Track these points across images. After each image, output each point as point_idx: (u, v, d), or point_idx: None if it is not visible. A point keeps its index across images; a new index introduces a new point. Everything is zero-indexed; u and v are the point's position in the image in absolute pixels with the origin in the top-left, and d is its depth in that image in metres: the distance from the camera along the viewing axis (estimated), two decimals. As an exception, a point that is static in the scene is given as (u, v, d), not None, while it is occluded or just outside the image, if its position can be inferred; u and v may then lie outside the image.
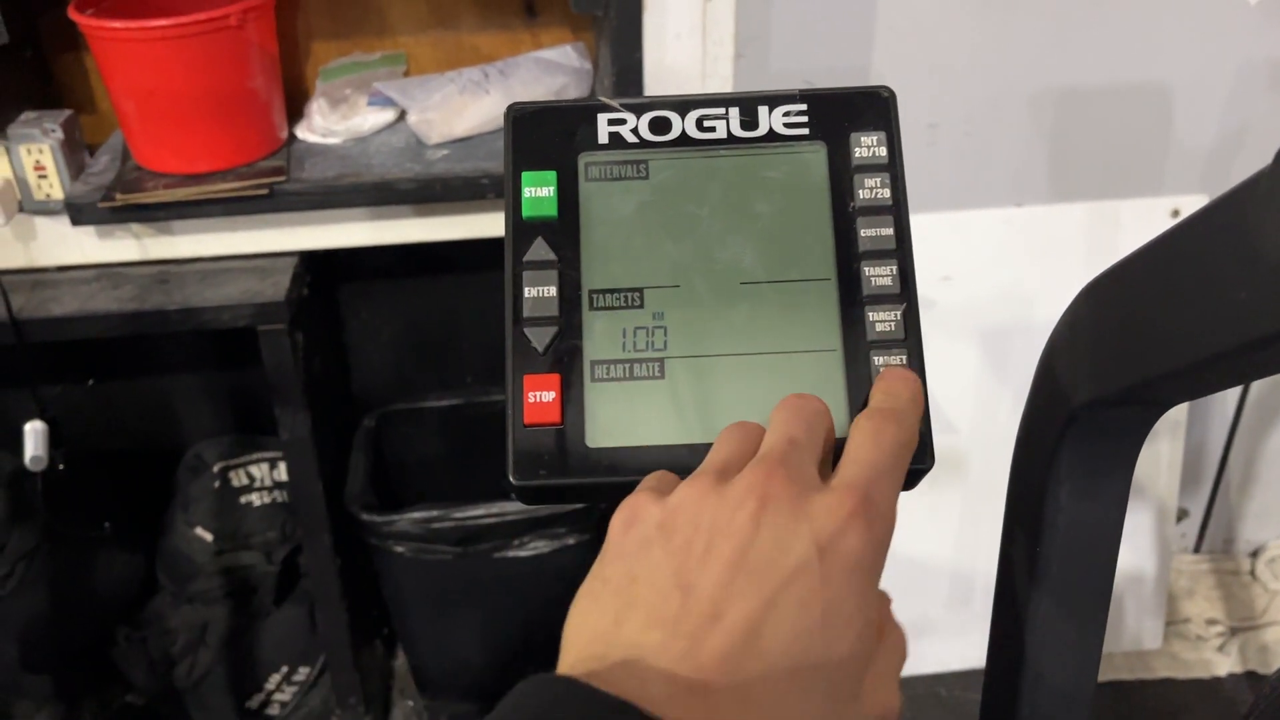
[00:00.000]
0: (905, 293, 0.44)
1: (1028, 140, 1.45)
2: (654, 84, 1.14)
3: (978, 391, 1.52)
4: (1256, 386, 1.67)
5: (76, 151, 1.21)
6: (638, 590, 0.34)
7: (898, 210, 0.45)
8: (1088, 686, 0.56)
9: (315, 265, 1.29)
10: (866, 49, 1.37)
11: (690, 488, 0.37)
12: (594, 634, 0.34)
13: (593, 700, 0.31)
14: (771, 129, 0.47)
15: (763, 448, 0.38)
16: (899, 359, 0.43)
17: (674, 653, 0.33)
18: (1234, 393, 1.67)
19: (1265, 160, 0.33)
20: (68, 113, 1.21)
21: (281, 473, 1.54)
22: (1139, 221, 1.47)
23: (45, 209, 1.20)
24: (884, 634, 0.37)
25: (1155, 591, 1.67)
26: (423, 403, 1.58)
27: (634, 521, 0.37)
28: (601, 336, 0.44)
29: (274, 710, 1.53)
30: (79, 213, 1.16)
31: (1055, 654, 0.55)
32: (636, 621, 0.34)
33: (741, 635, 0.33)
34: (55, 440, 1.26)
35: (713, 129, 0.47)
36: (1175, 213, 1.48)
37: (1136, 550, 1.63)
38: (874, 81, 1.39)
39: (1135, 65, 1.41)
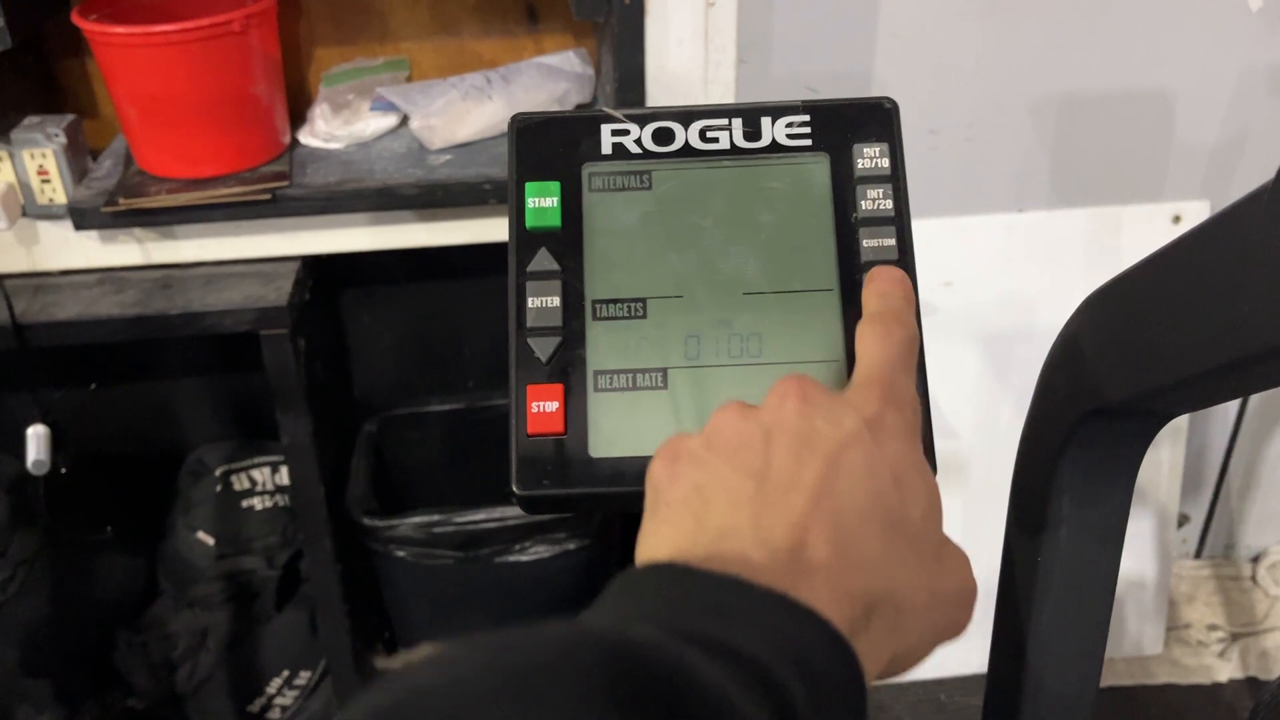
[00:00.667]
0: (908, 303, 0.44)
1: (1029, 146, 1.45)
2: (656, 90, 1.15)
3: (979, 397, 1.52)
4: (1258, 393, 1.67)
5: (79, 156, 1.21)
6: (708, 493, 0.35)
7: (900, 221, 0.46)
8: (1090, 694, 0.56)
9: (317, 270, 1.29)
10: (868, 55, 1.37)
11: (722, 413, 0.37)
12: (677, 537, 0.35)
13: (699, 580, 0.31)
14: (774, 140, 0.47)
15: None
16: None
17: (765, 521, 0.33)
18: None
19: (1267, 167, 0.33)
20: (71, 117, 1.21)
21: (283, 477, 1.54)
22: (1140, 227, 1.47)
23: (48, 213, 1.20)
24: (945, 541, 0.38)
25: (1156, 597, 1.67)
26: (424, 407, 1.58)
27: (678, 454, 0.37)
28: (605, 346, 0.44)
29: (275, 714, 1.53)
30: (82, 217, 1.16)
31: (1057, 662, 0.55)
32: (719, 512, 0.34)
33: (821, 492, 0.34)
34: (57, 444, 1.26)
35: (716, 140, 0.47)
36: (1176, 219, 1.48)
37: (1138, 555, 1.63)
38: (876, 88, 1.40)
39: (1137, 71, 1.41)
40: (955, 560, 0.37)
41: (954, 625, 0.37)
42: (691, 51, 1.14)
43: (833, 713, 0.29)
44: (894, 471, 0.35)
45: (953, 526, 1.54)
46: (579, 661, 0.25)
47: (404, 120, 1.28)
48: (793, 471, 0.34)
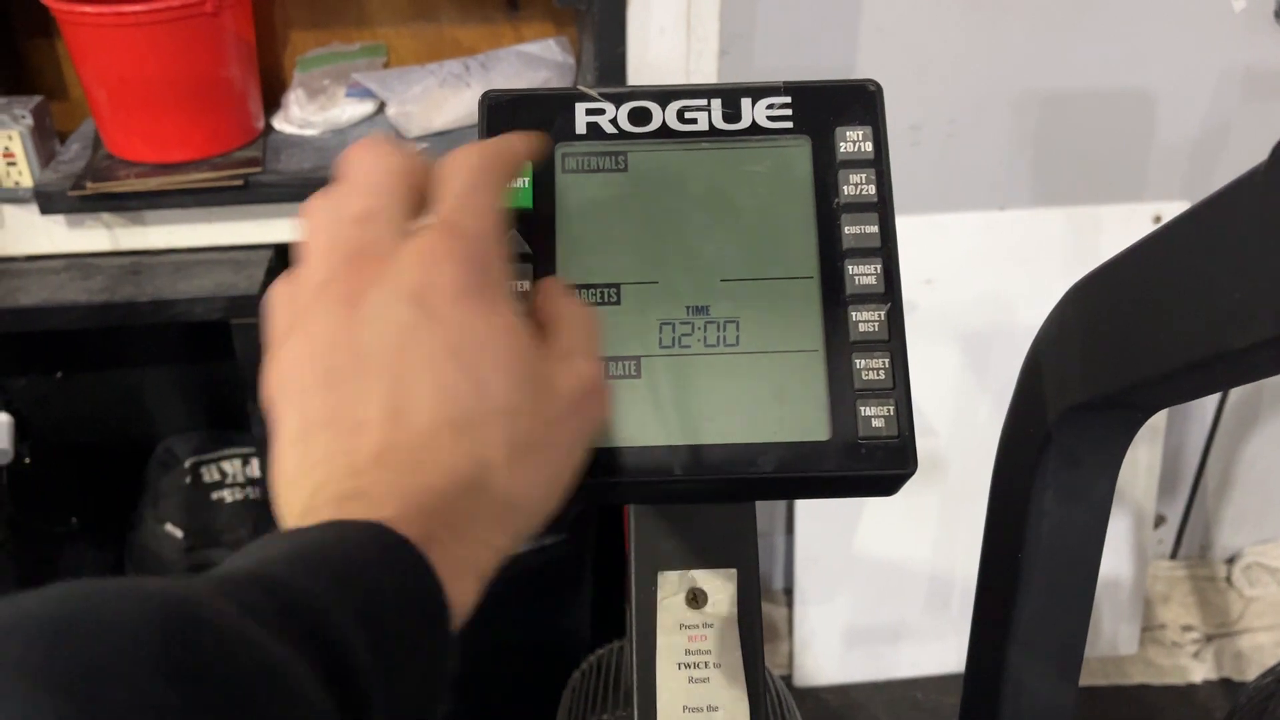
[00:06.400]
0: (889, 292, 0.43)
1: (1011, 143, 1.44)
2: (637, 79, 1.13)
3: (957, 395, 1.51)
4: (1235, 391, 1.67)
5: (47, 139, 1.19)
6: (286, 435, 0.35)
7: (883, 207, 0.44)
8: (1069, 695, 0.55)
9: (291, 258, 1.27)
10: (851, 48, 1.36)
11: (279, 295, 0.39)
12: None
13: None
14: (754, 122, 0.45)
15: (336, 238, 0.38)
16: (882, 362, 0.42)
17: (337, 469, 0.32)
18: (1213, 397, 1.67)
19: (1247, 168, 0.32)
20: (38, 99, 1.18)
21: (254, 469, 1.52)
22: (1120, 227, 1.47)
23: (13, 197, 1.17)
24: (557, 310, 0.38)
25: (1132, 597, 1.67)
26: (399, 399, 1.56)
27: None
28: None
29: (243, 710, 1.51)
30: (48, 201, 1.14)
31: (1037, 662, 0.54)
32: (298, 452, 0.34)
33: (389, 424, 0.33)
34: (21, 434, 1.24)
35: (694, 121, 0.45)
36: (1157, 219, 1.48)
37: (1113, 555, 1.63)
38: (858, 81, 1.39)
39: (1119, 70, 1.40)
40: (570, 360, 0.36)
41: (591, 421, 0.37)
42: (673, 41, 1.12)
43: (400, 622, 0.29)
44: (454, 352, 0.33)
45: (929, 524, 1.52)
46: (132, 620, 0.23)
47: (380, 107, 1.26)
48: (353, 405, 0.33)
